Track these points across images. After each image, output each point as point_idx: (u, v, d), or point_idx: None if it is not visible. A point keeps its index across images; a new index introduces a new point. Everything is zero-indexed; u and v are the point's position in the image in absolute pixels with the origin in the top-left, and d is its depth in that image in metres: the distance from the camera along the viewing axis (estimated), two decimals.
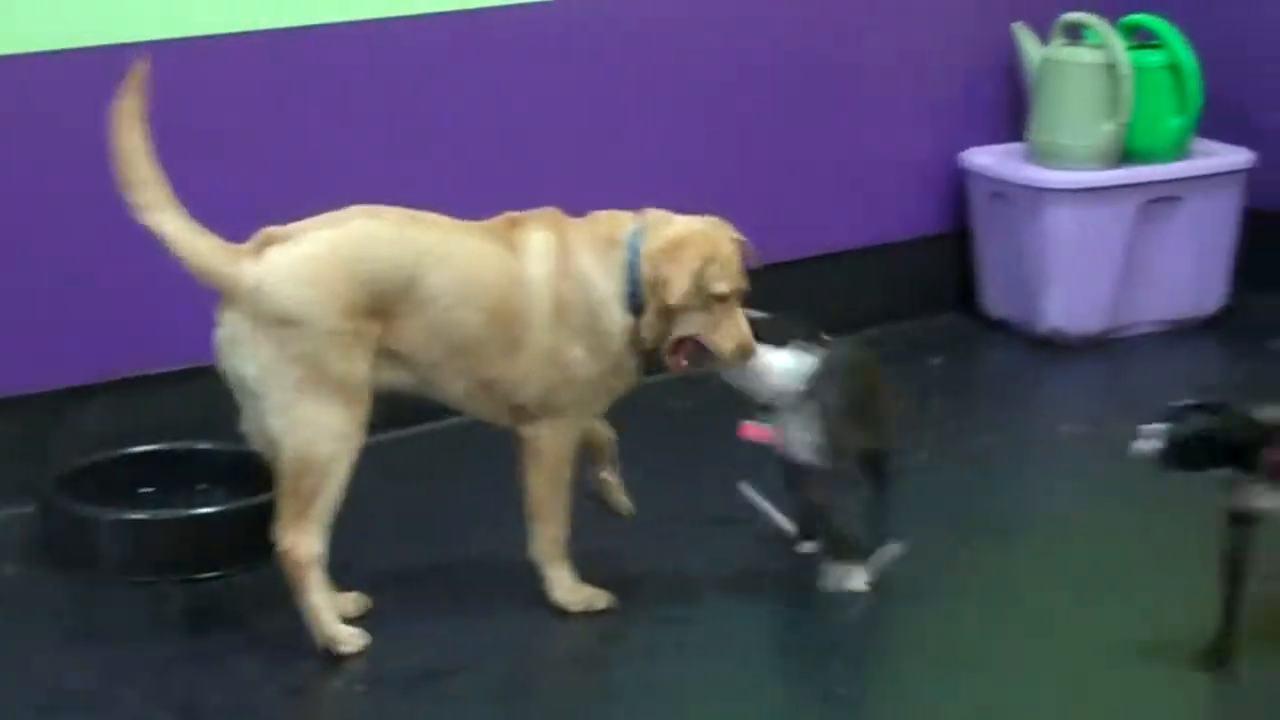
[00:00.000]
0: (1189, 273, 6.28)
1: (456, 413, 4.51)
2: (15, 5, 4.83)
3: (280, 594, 4.53)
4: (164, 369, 5.09)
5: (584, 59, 5.67)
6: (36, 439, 4.81)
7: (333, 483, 4.17)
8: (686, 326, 4.26)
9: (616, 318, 4.29)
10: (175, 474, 4.92)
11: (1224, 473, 4.08)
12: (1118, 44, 6.07)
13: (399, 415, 4.64)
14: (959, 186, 6.30)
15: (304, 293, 4.11)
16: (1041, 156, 6.15)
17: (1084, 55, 6.12)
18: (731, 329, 4.26)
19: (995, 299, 6.30)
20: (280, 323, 4.10)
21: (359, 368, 4.16)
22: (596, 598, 4.44)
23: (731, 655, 4.36)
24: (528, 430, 4.34)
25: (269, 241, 4.15)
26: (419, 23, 5.36)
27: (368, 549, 4.58)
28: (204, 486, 4.87)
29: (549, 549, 4.40)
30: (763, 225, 5.91)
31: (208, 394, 4.42)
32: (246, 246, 4.15)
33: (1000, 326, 6.28)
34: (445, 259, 4.24)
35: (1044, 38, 6.20)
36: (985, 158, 6.24)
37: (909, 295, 6.31)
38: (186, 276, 4.10)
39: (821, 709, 4.14)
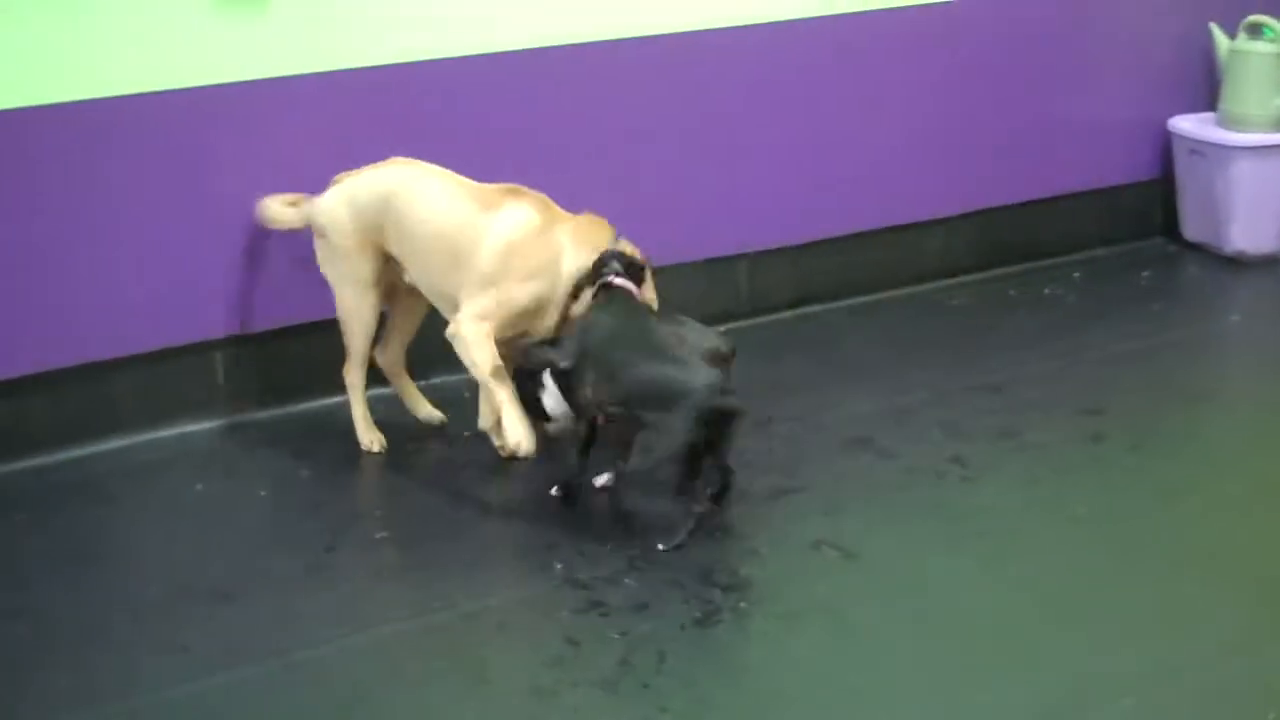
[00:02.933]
0: None
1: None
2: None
3: None
4: None
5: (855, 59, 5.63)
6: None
7: (358, 341, 4.48)
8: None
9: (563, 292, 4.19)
10: None
11: None
12: None
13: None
14: (1166, 144, 6.15)
15: (327, 217, 4.40)
16: (1229, 122, 5.97)
17: (1262, 47, 5.94)
18: None
19: (1193, 227, 6.14)
20: (319, 235, 4.43)
21: (364, 268, 4.39)
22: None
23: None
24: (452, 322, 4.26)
25: (334, 183, 4.43)
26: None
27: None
28: None
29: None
30: (1018, 172, 5.92)
31: None
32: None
33: (1196, 248, 6.11)
34: (414, 197, 4.30)
35: (1232, 34, 6.02)
36: (1186, 123, 6.07)
37: (1128, 224, 6.19)
38: None
39: (1063, 529, 4.08)
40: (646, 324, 4.07)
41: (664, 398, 3.85)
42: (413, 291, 4.46)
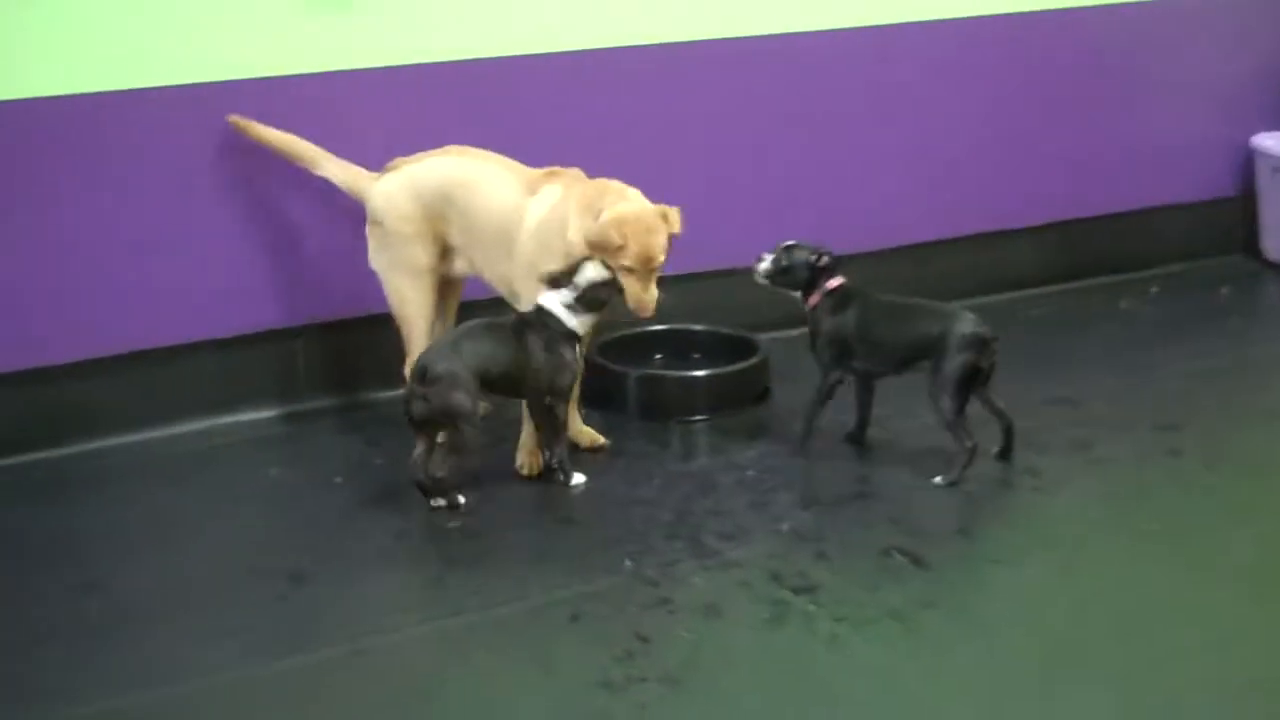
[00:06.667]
0: None
1: None
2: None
3: (748, 432, 4.58)
4: None
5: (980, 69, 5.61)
6: None
7: (415, 332, 4.44)
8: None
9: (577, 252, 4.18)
10: (678, 346, 4.99)
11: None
12: None
13: None
14: (1249, 161, 6.10)
15: (385, 205, 4.39)
16: None
17: None
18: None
19: (1273, 246, 6.10)
20: (374, 223, 4.42)
21: (420, 255, 4.38)
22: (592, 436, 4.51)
23: None
24: None
25: (390, 168, 4.42)
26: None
27: None
28: (697, 356, 4.92)
29: None
30: (1099, 185, 5.88)
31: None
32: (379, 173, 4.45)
33: (1276, 267, 6.08)
34: (474, 187, 4.32)
35: None
36: (1269, 141, 6.04)
37: (1209, 240, 6.17)
38: None
39: (1135, 543, 4.04)
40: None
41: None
42: (450, 286, 4.49)
